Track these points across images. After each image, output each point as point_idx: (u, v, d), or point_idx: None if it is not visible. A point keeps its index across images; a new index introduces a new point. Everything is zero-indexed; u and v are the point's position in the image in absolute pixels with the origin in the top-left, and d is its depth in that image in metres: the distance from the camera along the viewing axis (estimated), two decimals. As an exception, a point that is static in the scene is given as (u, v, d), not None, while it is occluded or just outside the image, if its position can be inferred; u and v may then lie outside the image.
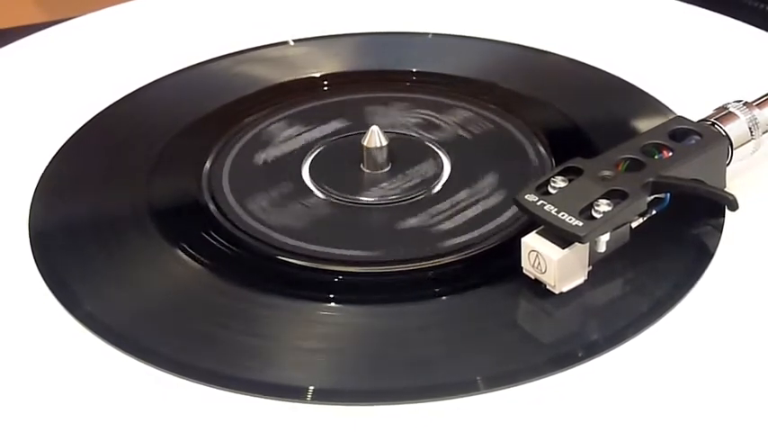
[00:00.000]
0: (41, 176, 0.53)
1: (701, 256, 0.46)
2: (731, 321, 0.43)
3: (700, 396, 0.40)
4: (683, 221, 0.47)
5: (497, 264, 0.46)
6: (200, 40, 0.66)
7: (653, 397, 0.40)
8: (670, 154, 0.46)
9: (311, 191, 0.52)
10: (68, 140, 0.56)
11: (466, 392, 0.40)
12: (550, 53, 0.63)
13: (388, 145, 0.52)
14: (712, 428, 0.39)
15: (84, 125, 0.58)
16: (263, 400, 0.40)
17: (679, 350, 0.42)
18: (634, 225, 0.45)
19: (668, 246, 0.46)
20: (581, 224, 0.43)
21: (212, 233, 0.49)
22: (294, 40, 0.65)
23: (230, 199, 0.51)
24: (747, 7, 0.72)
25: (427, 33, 0.66)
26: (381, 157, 0.52)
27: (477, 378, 0.41)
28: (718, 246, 0.47)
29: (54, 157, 0.55)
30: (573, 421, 0.39)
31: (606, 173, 0.45)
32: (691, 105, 0.53)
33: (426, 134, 0.56)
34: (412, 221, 0.49)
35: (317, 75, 0.62)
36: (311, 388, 0.41)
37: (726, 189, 0.48)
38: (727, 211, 0.47)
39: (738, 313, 0.43)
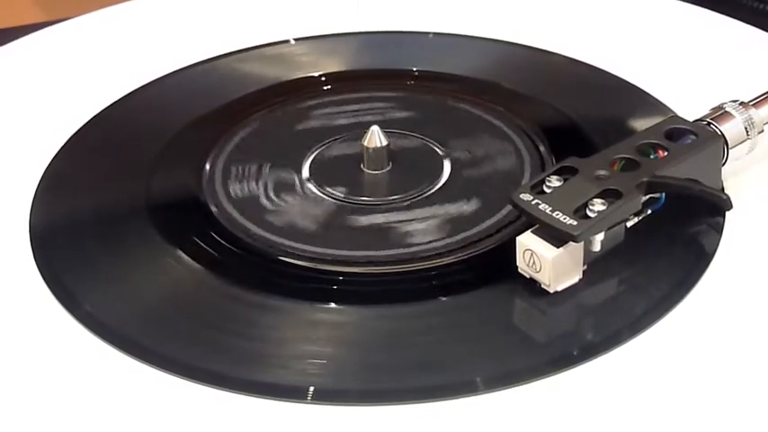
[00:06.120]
0: (42, 176, 0.53)
1: (700, 257, 0.46)
2: (731, 323, 0.43)
3: (699, 398, 0.40)
4: (683, 221, 0.47)
5: (494, 263, 0.46)
6: (201, 39, 0.66)
7: (652, 399, 0.40)
8: (665, 153, 0.46)
9: (311, 190, 0.52)
10: (69, 140, 0.56)
11: (464, 393, 0.40)
12: (551, 53, 0.63)
13: (388, 145, 0.53)
14: (712, 430, 0.39)
15: (85, 124, 0.58)
16: (263, 400, 0.40)
17: (678, 352, 0.42)
18: (629, 224, 0.45)
19: (667, 246, 0.46)
20: (575, 223, 0.43)
21: (212, 233, 0.49)
22: (295, 39, 0.66)
23: (230, 199, 0.51)
24: (747, 7, 0.72)
25: (428, 32, 0.66)
26: (381, 157, 0.53)
27: (477, 379, 0.41)
28: (718, 246, 0.47)
29: (54, 156, 0.55)
30: (572, 422, 0.39)
31: (601, 172, 0.45)
32: (690, 105, 0.53)
33: (426, 134, 0.56)
34: (411, 221, 0.49)
35: (318, 74, 0.62)
36: (311, 388, 0.41)
37: (722, 189, 0.48)
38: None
39: (738, 315, 0.43)
